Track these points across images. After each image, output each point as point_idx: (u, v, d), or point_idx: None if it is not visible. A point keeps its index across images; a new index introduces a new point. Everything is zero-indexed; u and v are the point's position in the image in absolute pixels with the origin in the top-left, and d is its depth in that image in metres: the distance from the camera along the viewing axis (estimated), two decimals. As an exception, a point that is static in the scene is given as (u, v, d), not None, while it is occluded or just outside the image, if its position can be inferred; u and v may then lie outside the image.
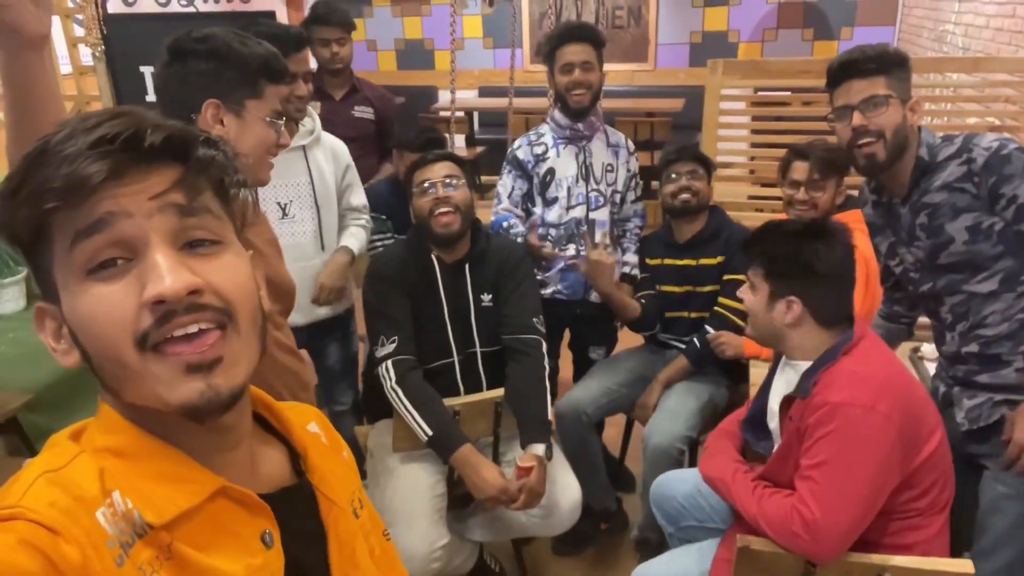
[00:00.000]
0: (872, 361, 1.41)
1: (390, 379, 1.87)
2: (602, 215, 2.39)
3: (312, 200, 2.15)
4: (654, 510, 1.88)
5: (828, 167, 2.13)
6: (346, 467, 0.83)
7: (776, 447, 1.53)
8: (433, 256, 1.97)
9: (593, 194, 2.36)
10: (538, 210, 2.37)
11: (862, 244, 2.11)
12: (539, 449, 1.83)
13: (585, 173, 2.36)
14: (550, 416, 1.91)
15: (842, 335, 1.45)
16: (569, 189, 2.34)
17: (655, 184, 2.51)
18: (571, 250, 2.37)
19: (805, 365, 1.46)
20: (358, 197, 2.33)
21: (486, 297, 2.01)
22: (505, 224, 2.34)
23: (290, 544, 0.68)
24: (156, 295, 0.57)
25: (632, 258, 2.47)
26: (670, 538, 1.87)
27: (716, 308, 2.29)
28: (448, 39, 4.02)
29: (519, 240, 2.30)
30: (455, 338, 1.98)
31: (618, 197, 2.42)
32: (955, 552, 1.54)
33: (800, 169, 2.16)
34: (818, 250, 1.44)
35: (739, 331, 2.22)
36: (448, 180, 1.93)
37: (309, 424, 0.81)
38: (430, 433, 1.82)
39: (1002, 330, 1.54)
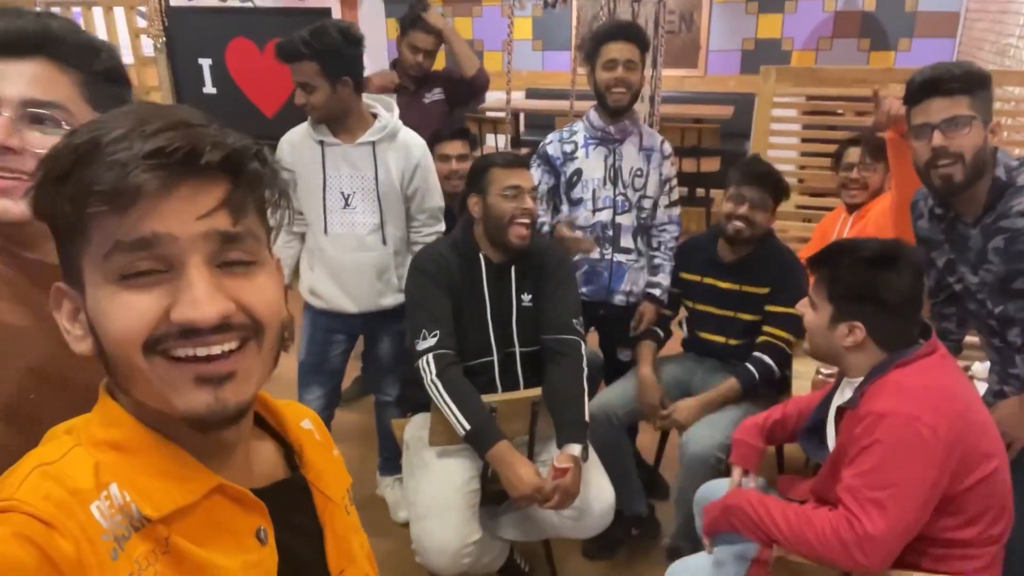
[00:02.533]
0: (926, 375, 1.38)
1: (430, 372, 1.88)
2: (628, 220, 2.37)
3: (375, 195, 2.18)
4: (696, 520, 1.86)
5: (878, 151, 2.32)
6: (337, 465, 0.83)
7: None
8: (481, 255, 1.99)
9: (620, 198, 2.35)
10: (565, 209, 2.38)
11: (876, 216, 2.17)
12: (575, 449, 1.82)
13: (613, 176, 2.34)
14: (587, 418, 1.90)
15: (902, 351, 1.43)
16: (595, 192, 2.34)
17: (700, 191, 2.49)
18: (595, 253, 2.38)
19: (856, 382, 1.45)
20: (432, 200, 2.30)
21: (526, 297, 2.01)
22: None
23: (285, 537, 0.69)
24: (188, 320, 0.57)
25: (664, 279, 2.40)
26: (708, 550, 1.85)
27: (766, 339, 2.19)
28: (499, 40, 4.05)
29: (544, 230, 2.30)
30: (496, 337, 1.99)
31: (647, 203, 2.38)
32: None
33: (853, 154, 2.41)
34: (889, 281, 1.40)
35: (788, 357, 2.18)
36: (534, 192, 1.98)
37: (303, 421, 0.81)
38: (468, 427, 1.82)
39: None
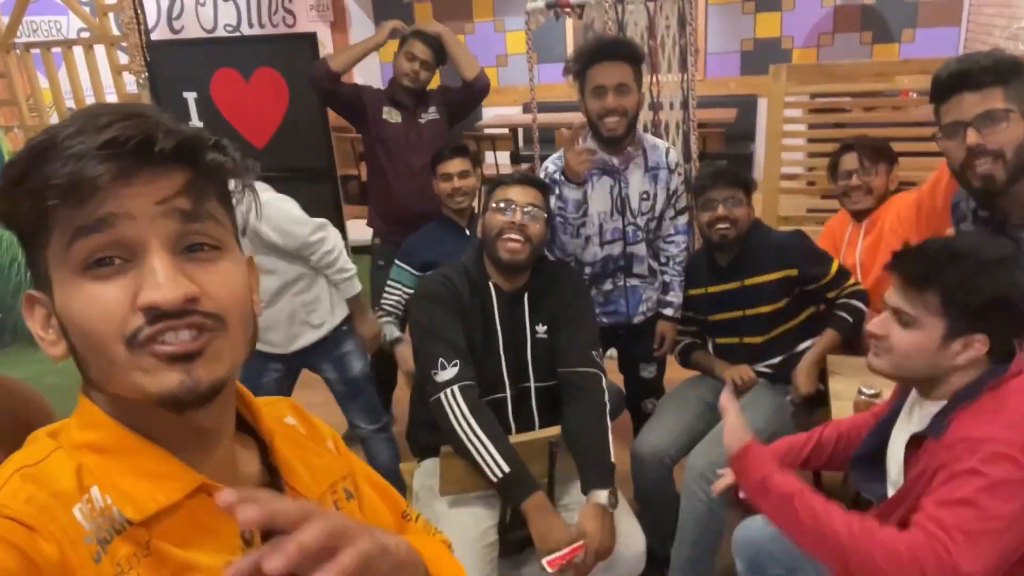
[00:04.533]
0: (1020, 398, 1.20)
1: (459, 407, 1.68)
2: (640, 249, 2.24)
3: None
4: (735, 558, 1.70)
5: (875, 153, 2.25)
6: (330, 456, 0.81)
7: (893, 492, 1.34)
8: (491, 284, 1.85)
9: (630, 228, 2.20)
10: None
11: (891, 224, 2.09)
12: (602, 497, 1.66)
13: (621, 206, 2.19)
14: (612, 459, 1.75)
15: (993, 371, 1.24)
16: (601, 226, 2.19)
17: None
18: (607, 284, 2.25)
19: (938, 405, 1.26)
20: (296, 233, 2.18)
21: (541, 328, 1.87)
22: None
23: (269, 538, 0.62)
24: (151, 303, 0.57)
25: (675, 297, 2.29)
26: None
27: (843, 301, 2.12)
28: (492, 55, 3.92)
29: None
30: (508, 372, 1.84)
31: (653, 224, 2.25)
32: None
33: (849, 160, 2.26)
34: (1018, 280, 1.20)
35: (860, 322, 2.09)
36: (528, 209, 1.81)
37: (285, 417, 0.80)
38: (506, 471, 1.63)
39: None
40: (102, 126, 0.56)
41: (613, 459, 1.75)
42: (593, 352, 1.85)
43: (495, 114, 6.48)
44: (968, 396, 1.22)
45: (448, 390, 1.71)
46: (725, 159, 5.03)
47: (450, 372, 1.71)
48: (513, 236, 1.78)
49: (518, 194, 1.83)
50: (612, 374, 2.57)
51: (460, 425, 1.68)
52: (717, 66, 6.11)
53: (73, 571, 0.55)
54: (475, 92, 2.91)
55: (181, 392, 0.59)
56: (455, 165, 2.48)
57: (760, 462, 1.33)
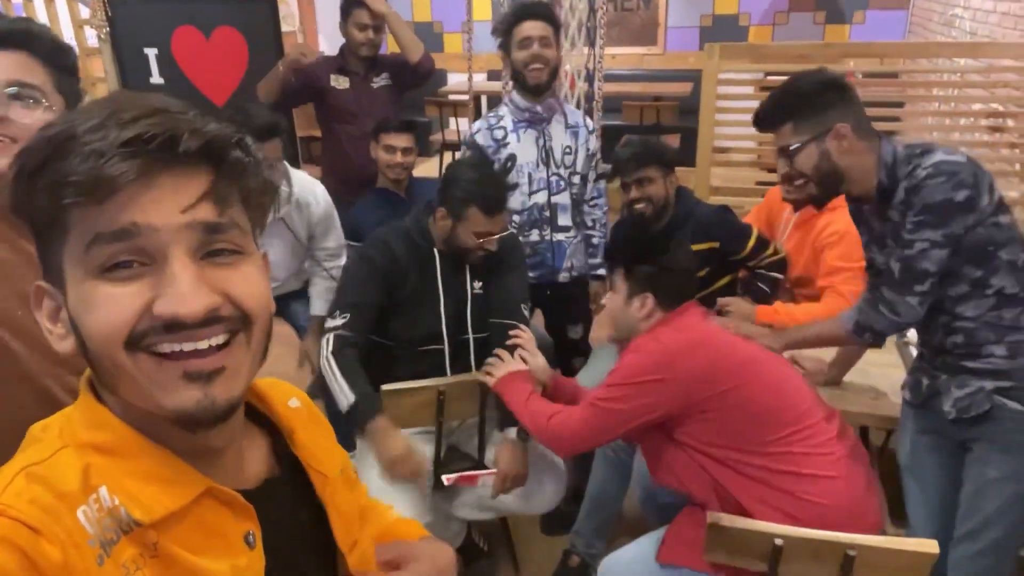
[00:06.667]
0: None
1: (327, 349, 1.90)
2: (563, 199, 2.41)
3: (290, 252, 2.46)
4: (635, 487, 1.91)
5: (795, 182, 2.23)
6: (329, 440, 0.82)
7: None
8: (436, 250, 1.99)
9: (554, 178, 2.39)
10: None
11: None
12: (512, 432, 1.85)
13: (545, 157, 2.37)
14: None
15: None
16: (530, 175, 2.37)
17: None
18: (534, 235, 2.41)
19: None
20: (334, 239, 2.51)
21: (477, 285, 2.04)
22: None
23: (274, 539, 0.67)
24: (173, 316, 0.55)
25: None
26: (648, 515, 1.92)
27: (760, 272, 2.31)
28: (458, 21, 4.05)
29: None
30: (448, 326, 2.01)
31: (577, 179, 2.43)
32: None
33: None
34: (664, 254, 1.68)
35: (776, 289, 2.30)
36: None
37: (290, 400, 0.79)
38: (352, 399, 1.82)
39: (979, 324, 1.54)
40: (126, 121, 0.54)
41: None
42: (522, 305, 2.02)
43: (458, 80, 6.54)
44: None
45: (329, 335, 1.92)
46: (679, 132, 5.21)
47: (337, 321, 1.92)
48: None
49: (499, 225, 1.95)
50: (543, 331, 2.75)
51: (324, 362, 1.90)
52: (678, 40, 6.26)
53: (78, 573, 0.54)
54: (420, 74, 3.04)
55: (197, 411, 0.58)
56: (402, 140, 2.57)
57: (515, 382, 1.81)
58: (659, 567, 1.58)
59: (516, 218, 2.39)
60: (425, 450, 1.97)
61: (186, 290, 0.55)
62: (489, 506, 2.01)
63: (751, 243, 2.28)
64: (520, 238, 2.40)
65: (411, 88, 3.12)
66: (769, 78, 4.25)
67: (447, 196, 1.92)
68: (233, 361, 0.59)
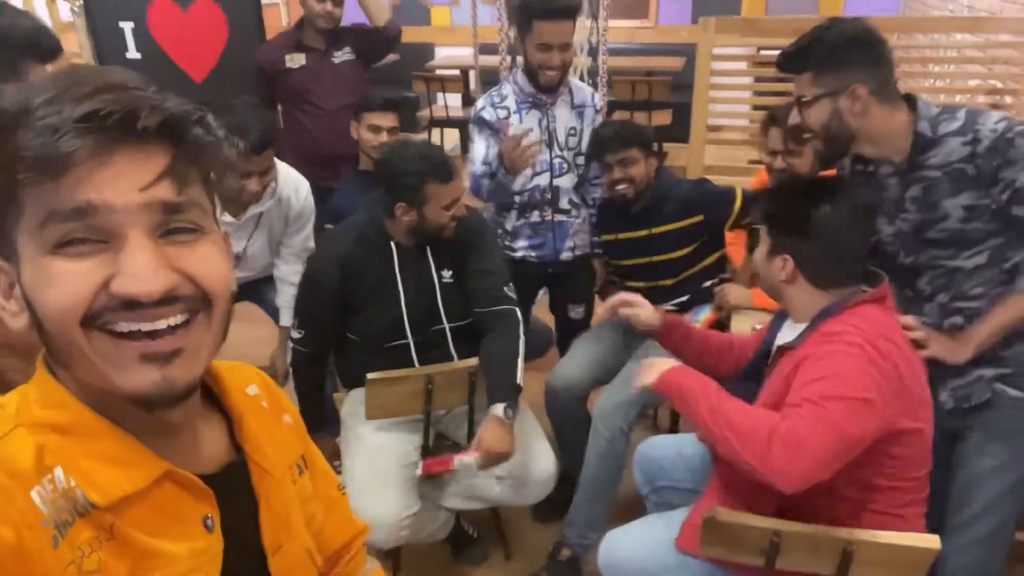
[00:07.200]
0: (867, 322, 1.34)
1: (288, 358, 2.09)
2: (566, 182, 2.35)
3: (270, 245, 2.38)
4: (634, 472, 1.87)
5: (800, 133, 2.03)
6: (288, 431, 0.81)
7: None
8: (393, 243, 1.92)
9: (557, 160, 2.32)
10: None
11: None
12: (498, 409, 1.78)
13: (549, 140, 2.30)
14: (519, 380, 1.86)
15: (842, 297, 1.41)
16: None
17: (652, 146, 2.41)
18: (535, 216, 2.35)
19: (801, 327, 1.44)
20: (301, 240, 2.39)
21: (447, 274, 1.96)
22: (485, 183, 2.28)
23: (233, 522, 0.67)
24: (129, 295, 0.54)
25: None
26: (646, 501, 1.87)
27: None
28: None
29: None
30: (411, 320, 1.93)
31: (581, 160, 2.36)
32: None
33: (774, 138, 2.10)
34: (817, 214, 1.40)
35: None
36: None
37: (249, 387, 0.78)
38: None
39: (985, 303, 1.50)
40: (82, 96, 0.52)
41: (520, 382, 1.86)
42: (506, 288, 1.96)
43: (446, 55, 6.42)
44: (826, 314, 1.39)
45: (289, 346, 2.07)
46: (671, 107, 5.13)
47: (295, 335, 2.01)
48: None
49: (460, 190, 1.89)
50: (544, 316, 2.71)
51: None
52: (670, 13, 6.14)
53: (30, 555, 0.53)
54: (387, 39, 2.91)
55: (154, 393, 0.57)
56: (387, 120, 2.46)
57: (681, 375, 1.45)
58: (673, 552, 1.50)
59: (516, 199, 2.32)
60: (407, 439, 1.93)
61: (143, 269, 0.54)
62: (478, 496, 1.97)
63: (737, 205, 2.21)
64: (521, 220, 2.33)
65: (376, 60, 2.98)
66: (763, 52, 4.17)
67: (398, 190, 1.83)
68: (192, 342, 0.58)
